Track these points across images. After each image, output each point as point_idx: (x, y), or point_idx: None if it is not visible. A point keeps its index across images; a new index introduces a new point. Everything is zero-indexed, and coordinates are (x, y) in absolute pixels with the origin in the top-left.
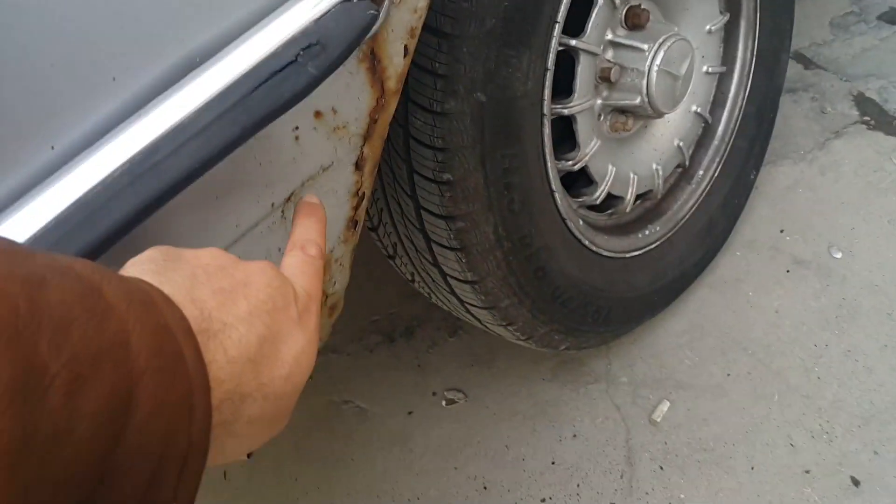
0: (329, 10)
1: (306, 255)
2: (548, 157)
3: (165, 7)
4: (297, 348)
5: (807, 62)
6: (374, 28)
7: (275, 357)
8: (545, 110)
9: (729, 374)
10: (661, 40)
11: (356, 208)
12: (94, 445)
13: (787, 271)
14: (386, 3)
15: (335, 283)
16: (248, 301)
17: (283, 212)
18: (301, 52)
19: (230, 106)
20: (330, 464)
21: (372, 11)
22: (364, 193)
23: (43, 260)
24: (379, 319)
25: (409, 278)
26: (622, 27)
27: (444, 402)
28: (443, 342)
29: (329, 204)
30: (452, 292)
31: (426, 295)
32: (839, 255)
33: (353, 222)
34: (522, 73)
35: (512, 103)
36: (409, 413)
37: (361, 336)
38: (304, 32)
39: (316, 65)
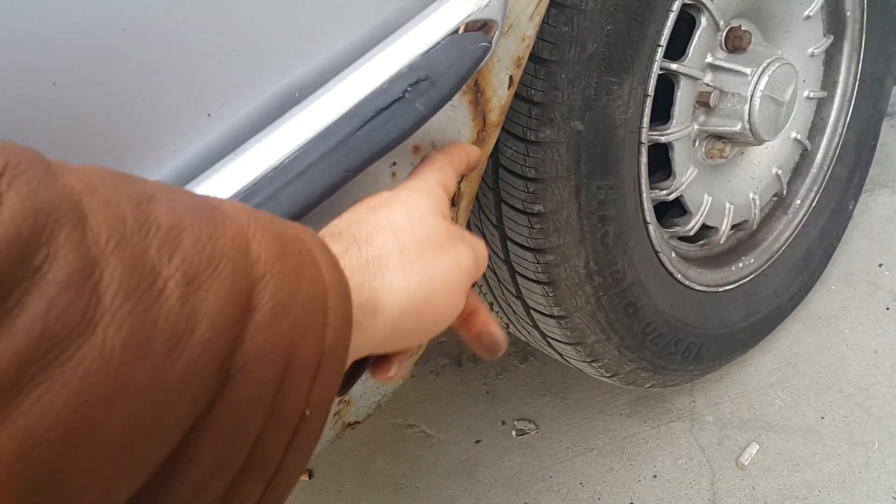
0: (438, 43)
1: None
2: (643, 187)
3: (263, 37)
4: (445, 260)
5: None
6: (485, 60)
7: (419, 267)
8: (643, 138)
9: (823, 418)
10: (765, 64)
11: None
12: (214, 347)
13: (887, 309)
14: (496, 32)
15: None
16: (388, 214)
17: None
18: (409, 88)
19: (332, 146)
20: (393, 489)
21: (484, 43)
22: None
23: (155, 183)
24: (446, 342)
25: (488, 307)
26: (722, 49)
27: (514, 433)
28: (513, 368)
29: None
30: (535, 326)
31: (503, 325)
32: None
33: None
34: (623, 101)
35: (611, 132)
36: (477, 441)
37: (427, 358)
38: (412, 67)
39: (424, 102)
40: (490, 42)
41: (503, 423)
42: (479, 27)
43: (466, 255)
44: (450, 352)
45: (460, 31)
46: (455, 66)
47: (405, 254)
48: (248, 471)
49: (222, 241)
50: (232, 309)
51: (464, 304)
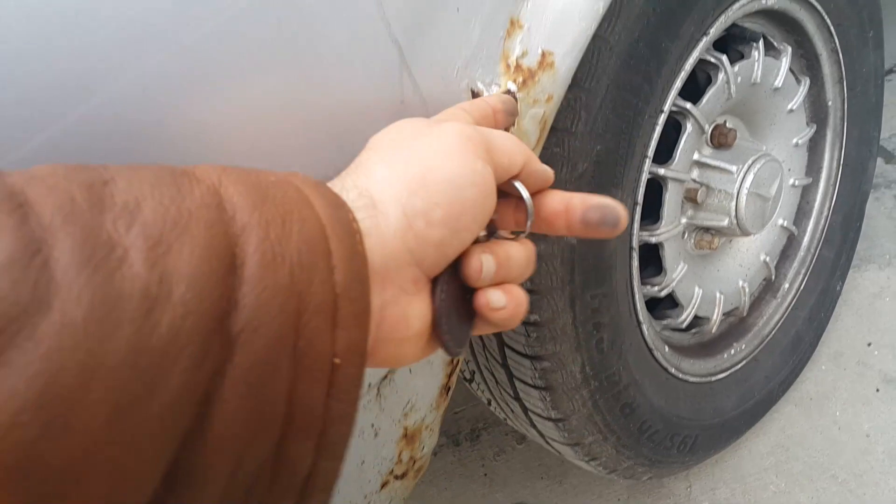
0: None
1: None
2: (636, 289)
3: None
4: (427, 135)
5: (888, 156)
6: None
7: (400, 151)
8: (633, 244)
9: None
10: (749, 162)
11: (450, 375)
12: (199, 306)
13: (877, 390)
14: None
15: (423, 447)
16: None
17: (378, 390)
18: None
19: None
20: None
21: None
22: (458, 360)
23: (118, 167)
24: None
25: (486, 402)
26: (708, 146)
27: None
28: (511, 449)
29: (423, 374)
30: (533, 426)
31: (502, 419)
32: None
33: (446, 389)
34: None
35: (603, 244)
36: None
37: None
38: None
39: None
40: None
41: None
42: None
43: (452, 125)
44: (448, 430)
45: None
46: None
47: (385, 150)
48: (291, 432)
49: (188, 200)
50: (212, 266)
51: (487, 172)
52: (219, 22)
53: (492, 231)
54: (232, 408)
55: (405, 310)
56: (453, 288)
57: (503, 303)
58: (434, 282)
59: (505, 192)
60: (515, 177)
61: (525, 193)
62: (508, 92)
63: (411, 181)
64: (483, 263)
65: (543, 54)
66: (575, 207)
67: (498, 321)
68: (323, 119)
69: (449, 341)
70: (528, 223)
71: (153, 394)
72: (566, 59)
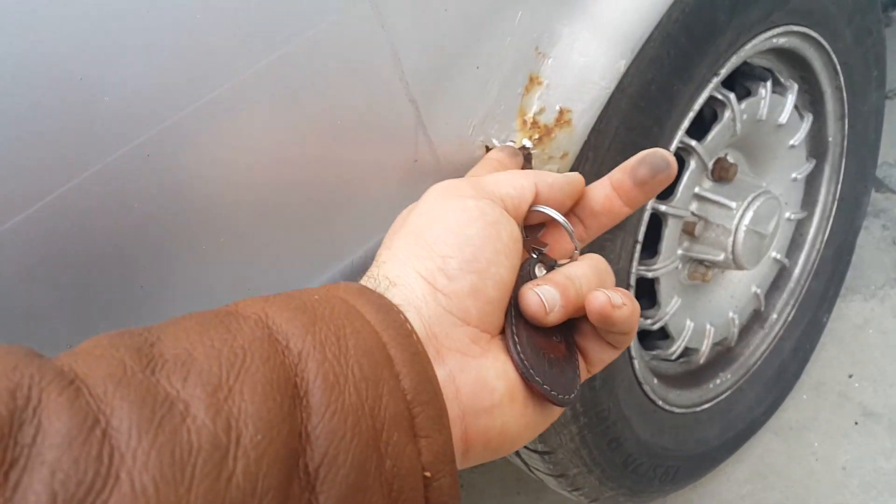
0: None
1: None
2: None
3: None
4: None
5: (877, 184)
6: None
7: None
8: (631, 281)
9: None
10: (750, 199)
11: None
12: (272, 447)
13: (856, 423)
14: None
15: None
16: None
17: None
18: None
19: None
20: None
21: None
22: None
23: (163, 325)
24: None
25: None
26: (707, 179)
27: None
28: (488, 462)
29: None
30: (518, 455)
31: None
32: None
33: None
34: (615, 254)
35: None
36: None
37: None
38: None
39: None
40: None
41: None
42: None
43: (430, 189)
44: None
45: None
46: None
47: (387, 238)
48: None
49: (239, 338)
50: (276, 401)
51: (483, 204)
52: (236, 83)
53: (550, 265)
54: None
55: (479, 374)
56: (530, 334)
57: (620, 300)
58: (502, 335)
59: (541, 223)
60: (535, 202)
61: (552, 212)
62: (524, 148)
63: (414, 247)
64: (542, 296)
65: (561, 111)
66: (621, 180)
67: (620, 320)
68: (336, 178)
69: (549, 390)
70: (573, 238)
71: None
72: (583, 117)
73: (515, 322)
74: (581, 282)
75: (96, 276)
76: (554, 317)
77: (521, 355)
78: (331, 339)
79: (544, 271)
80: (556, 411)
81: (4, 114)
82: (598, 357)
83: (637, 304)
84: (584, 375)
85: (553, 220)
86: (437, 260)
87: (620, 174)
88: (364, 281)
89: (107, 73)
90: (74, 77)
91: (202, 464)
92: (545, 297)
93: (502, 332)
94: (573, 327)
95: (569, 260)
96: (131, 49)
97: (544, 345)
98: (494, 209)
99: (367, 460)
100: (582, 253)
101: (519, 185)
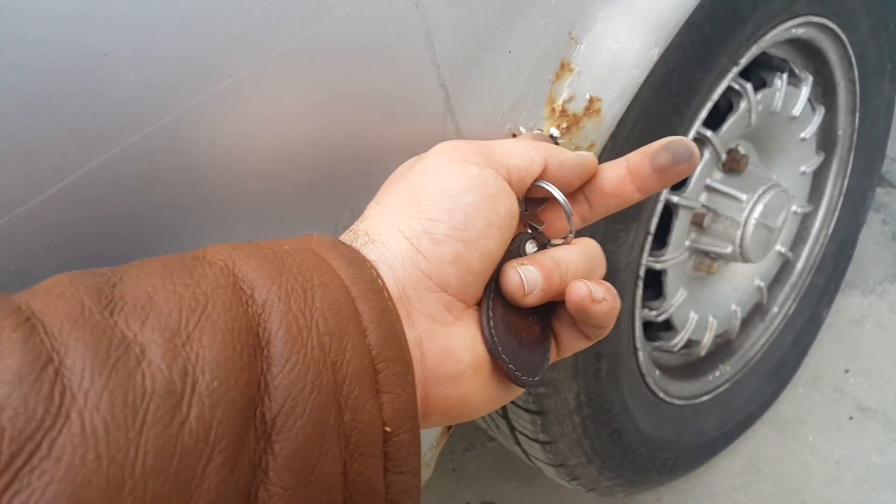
0: None
1: None
2: (636, 316)
3: None
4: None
5: (878, 179)
6: None
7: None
8: (640, 273)
9: None
10: (760, 192)
11: None
12: (228, 394)
13: (851, 418)
14: None
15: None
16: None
17: None
18: None
19: None
20: None
21: None
22: None
23: (126, 266)
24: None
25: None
26: (718, 170)
27: None
28: (481, 446)
29: None
30: (517, 444)
31: (484, 428)
32: None
33: (448, 427)
34: (627, 245)
35: (613, 275)
36: None
37: None
38: None
39: None
40: None
41: None
42: None
43: (437, 146)
44: None
45: None
46: None
47: (380, 193)
48: None
49: (203, 284)
50: (236, 349)
51: (486, 174)
52: (266, 61)
53: (543, 244)
54: (280, 499)
55: (447, 342)
56: (506, 311)
57: (601, 294)
58: (478, 307)
59: (543, 198)
60: (541, 177)
61: (555, 191)
62: (551, 137)
63: (405, 206)
64: (523, 276)
65: (591, 100)
66: (639, 164)
67: (597, 315)
68: (363, 161)
69: (514, 370)
70: (570, 221)
71: (190, 499)
72: (613, 107)
73: (493, 297)
74: (567, 267)
75: (116, 261)
76: (532, 299)
77: (492, 331)
78: (297, 290)
79: (535, 248)
80: (518, 390)
81: (25, 89)
82: (570, 344)
83: (618, 301)
84: (552, 358)
85: (549, 195)
86: (424, 222)
87: (639, 157)
88: (344, 235)
89: (133, 48)
90: (99, 53)
91: (154, 408)
92: (526, 277)
93: (479, 303)
94: (551, 310)
95: (562, 241)
96: (159, 22)
97: (518, 324)
98: (497, 180)
99: (325, 413)
100: (587, 240)
101: (528, 157)
